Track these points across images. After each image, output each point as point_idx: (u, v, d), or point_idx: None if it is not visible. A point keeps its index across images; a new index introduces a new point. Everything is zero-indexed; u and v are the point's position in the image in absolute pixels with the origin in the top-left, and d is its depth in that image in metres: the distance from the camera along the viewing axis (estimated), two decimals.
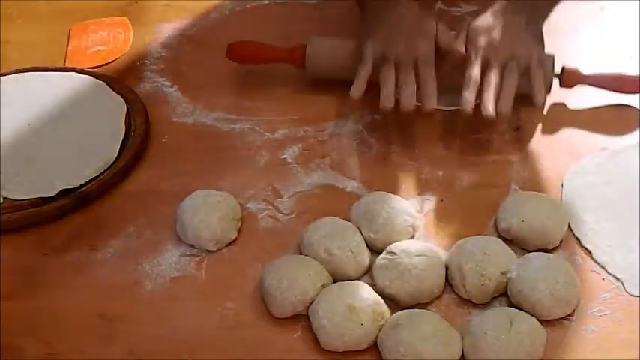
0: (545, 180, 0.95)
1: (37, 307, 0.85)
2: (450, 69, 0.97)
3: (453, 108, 0.98)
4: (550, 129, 1.01)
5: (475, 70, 0.93)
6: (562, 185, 0.94)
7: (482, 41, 0.94)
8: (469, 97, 0.92)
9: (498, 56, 0.93)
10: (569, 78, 1.02)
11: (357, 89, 0.96)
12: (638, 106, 1.02)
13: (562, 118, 1.03)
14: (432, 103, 0.94)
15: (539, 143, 0.99)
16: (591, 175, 0.95)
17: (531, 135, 1.00)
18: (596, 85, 1.03)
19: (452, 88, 0.95)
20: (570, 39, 1.11)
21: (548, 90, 1.00)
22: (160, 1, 1.23)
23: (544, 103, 0.96)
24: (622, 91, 1.02)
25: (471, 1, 1.18)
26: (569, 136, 1.00)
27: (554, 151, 0.98)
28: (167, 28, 1.18)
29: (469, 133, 1.01)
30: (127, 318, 0.84)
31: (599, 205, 0.91)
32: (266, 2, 1.22)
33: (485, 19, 0.96)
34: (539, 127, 1.02)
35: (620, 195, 0.92)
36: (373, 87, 0.96)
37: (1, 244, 0.91)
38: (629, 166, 0.95)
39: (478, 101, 0.93)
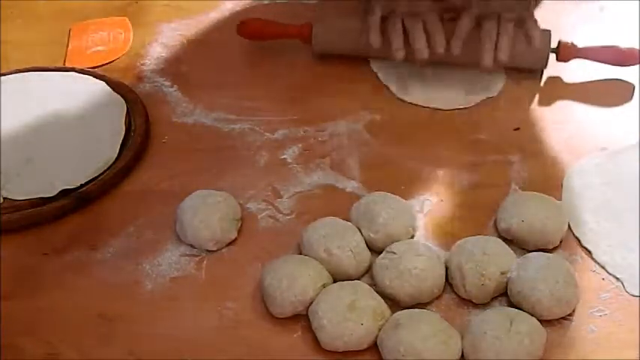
0: (545, 180, 0.95)
1: (37, 307, 0.85)
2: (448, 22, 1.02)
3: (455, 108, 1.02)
4: (550, 129, 1.01)
5: (466, 21, 1.00)
6: (562, 185, 0.94)
7: None
8: (457, 43, 1.00)
9: (495, 6, 1.00)
10: (566, 52, 1.05)
11: (374, 37, 1.01)
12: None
13: (562, 118, 1.03)
14: (441, 48, 1.00)
15: (539, 143, 1.00)
16: (591, 175, 0.95)
17: (531, 135, 1.00)
18: (593, 59, 1.04)
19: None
20: (570, 39, 1.10)
21: (545, 64, 1.05)
22: (160, 1, 1.23)
23: (539, 44, 1.01)
24: (619, 64, 1.04)
25: None
26: (569, 136, 1.00)
27: (554, 151, 0.98)
28: (167, 28, 1.18)
29: (469, 133, 1.01)
30: (127, 318, 0.84)
31: (599, 205, 0.91)
32: (266, 2, 1.22)
33: None
34: (539, 127, 1.02)
35: (620, 195, 0.92)
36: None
37: (1, 244, 0.91)
38: (629, 166, 0.95)
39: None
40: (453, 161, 0.98)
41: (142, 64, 1.13)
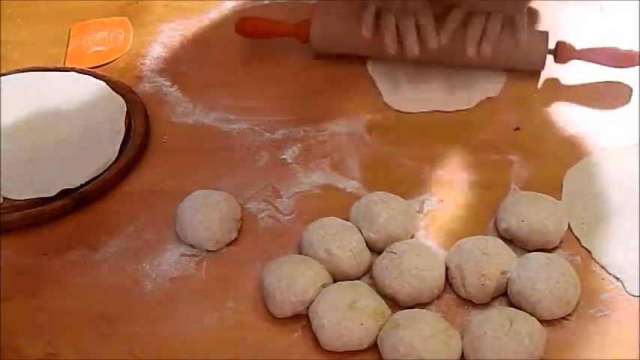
0: (545, 180, 0.95)
1: (37, 307, 0.85)
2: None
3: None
4: (550, 129, 1.01)
5: (457, 15, 1.02)
6: (562, 185, 0.94)
7: None
8: (444, 35, 1.01)
9: (486, 5, 1.01)
10: (563, 53, 1.04)
11: (367, 29, 1.02)
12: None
13: (561, 118, 1.03)
14: (434, 42, 1.00)
15: (539, 143, 0.99)
16: (591, 175, 0.95)
17: (531, 135, 1.00)
18: (591, 60, 1.04)
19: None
20: (570, 39, 1.10)
21: (542, 65, 1.04)
22: (160, 1, 1.23)
23: (525, 42, 1.01)
24: (618, 66, 1.04)
25: None
26: (569, 136, 1.00)
27: (554, 151, 0.98)
28: (167, 28, 1.18)
29: (469, 133, 1.01)
30: (127, 318, 0.84)
31: (599, 205, 0.91)
32: (266, 2, 1.22)
33: None
34: (539, 127, 1.02)
35: (620, 195, 0.92)
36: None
37: (1, 244, 0.91)
38: (629, 166, 0.95)
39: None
40: (453, 161, 0.98)
41: (142, 64, 1.13)
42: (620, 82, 1.06)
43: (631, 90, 1.04)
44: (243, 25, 1.10)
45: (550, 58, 1.05)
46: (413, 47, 1.00)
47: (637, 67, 1.04)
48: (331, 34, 1.08)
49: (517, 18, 1.02)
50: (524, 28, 1.01)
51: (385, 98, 1.05)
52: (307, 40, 1.08)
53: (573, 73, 1.07)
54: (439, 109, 1.04)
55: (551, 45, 1.05)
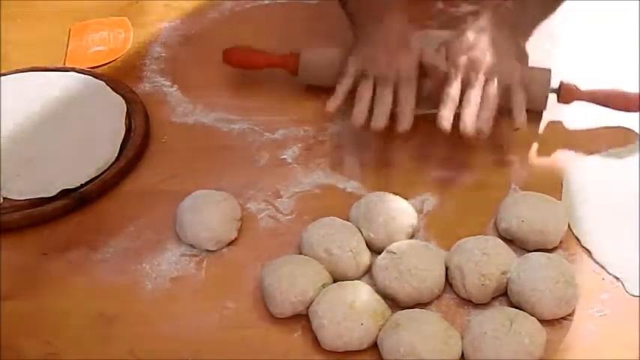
0: (545, 180, 0.95)
1: (37, 307, 0.85)
2: (433, 87, 0.95)
3: (430, 112, 0.94)
4: (550, 129, 1.01)
5: (454, 88, 0.91)
6: (562, 185, 0.94)
7: (463, 60, 0.92)
8: (446, 114, 0.90)
9: (479, 75, 0.91)
10: (567, 94, 1.00)
11: (334, 103, 0.95)
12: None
13: (562, 118, 1.03)
14: (406, 124, 0.92)
15: (539, 143, 0.99)
16: (591, 175, 0.95)
17: (531, 135, 1.00)
18: (594, 102, 1.00)
19: (435, 104, 0.93)
20: (569, 42, 1.11)
21: (544, 105, 1.00)
22: (160, 1, 1.23)
23: (525, 123, 0.93)
24: (621, 109, 0.99)
25: (471, 1, 1.18)
26: (570, 136, 1.00)
27: (554, 151, 0.98)
28: (167, 28, 1.18)
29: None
30: (127, 318, 0.84)
31: (599, 205, 0.91)
32: (266, 2, 1.22)
33: (467, 37, 0.94)
34: (539, 127, 1.01)
35: (620, 195, 0.92)
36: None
37: (1, 244, 0.91)
38: (629, 166, 0.95)
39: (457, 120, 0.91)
40: (453, 161, 0.98)
41: (142, 64, 1.13)
42: (619, 82, 1.06)
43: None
44: (229, 54, 1.07)
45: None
46: (378, 121, 0.92)
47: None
48: (319, 68, 1.04)
49: (514, 91, 0.92)
50: (523, 107, 0.92)
51: None
52: (296, 73, 1.05)
53: (573, 71, 1.08)
54: (418, 112, 1.03)
55: (555, 83, 1.00)
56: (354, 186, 0.95)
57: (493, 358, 0.76)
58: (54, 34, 1.18)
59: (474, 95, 0.90)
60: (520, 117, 0.92)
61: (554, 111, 1.04)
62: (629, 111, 0.99)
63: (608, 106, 1.00)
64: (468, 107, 0.90)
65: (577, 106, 1.04)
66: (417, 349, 0.75)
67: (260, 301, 0.84)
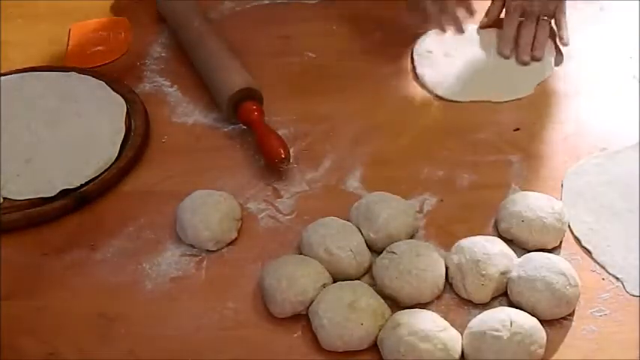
0: (545, 180, 0.95)
1: (37, 307, 0.85)
2: None
3: None
4: (550, 129, 1.01)
5: (513, 25, 1.11)
6: (562, 185, 0.94)
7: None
8: (505, 51, 1.10)
9: (533, 9, 1.10)
10: None
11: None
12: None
13: (561, 118, 1.03)
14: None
15: (539, 143, 1.00)
16: (591, 175, 0.95)
17: (531, 135, 1.00)
18: None
19: None
20: (570, 39, 1.11)
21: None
22: None
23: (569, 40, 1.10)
24: None
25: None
26: (569, 136, 1.00)
27: (554, 151, 0.98)
28: (167, 28, 1.18)
29: (469, 133, 1.01)
30: (127, 318, 0.84)
31: (599, 205, 0.91)
32: (266, 2, 1.22)
33: None
34: (539, 127, 1.02)
35: (620, 195, 0.92)
36: None
37: (1, 244, 0.91)
38: (629, 166, 0.95)
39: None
40: (453, 161, 0.98)
41: (142, 64, 1.13)
42: (620, 81, 1.06)
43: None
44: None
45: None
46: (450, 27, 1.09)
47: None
48: None
49: (559, 18, 1.10)
50: (567, 27, 1.10)
51: (434, 88, 1.07)
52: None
53: (573, 71, 1.08)
54: (494, 100, 1.05)
55: None
56: (354, 186, 0.95)
57: (493, 358, 0.76)
58: (54, 34, 1.17)
59: (530, 29, 1.10)
60: (566, 35, 1.10)
61: (554, 110, 1.04)
62: None
63: None
64: (524, 41, 1.09)
65: (577, 105, 1.04)
66: (417, 349, 0.75)
67: (260, 301, 0.84)
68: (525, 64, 1.08)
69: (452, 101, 1.05)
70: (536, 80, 1.07)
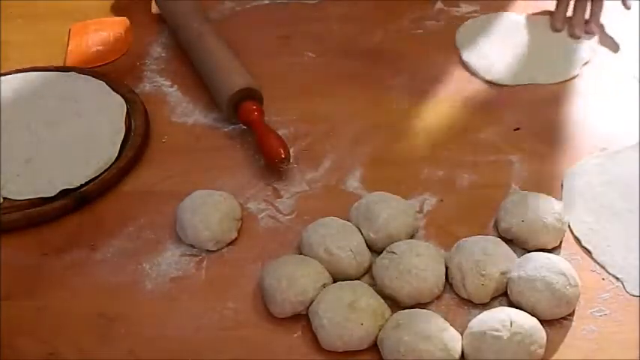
0: (545, 180, 0.95)
1: (37, 307, 0.85)
2: None
3: None
4: (550, 129, 1.01)
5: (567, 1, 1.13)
6: (562, 185, 0.94)
7: None
8: (558, 24, 1.13)
9: None
10: None
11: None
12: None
13: (562, 118, 1.03)
14: None
15: (539, 143, 0.99)
16: (591, 175, 0.95)
17: (531, 135, 1.00)
18: None
19: None
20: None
21: None
22: None
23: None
24: None
25: (471, 1, 1.18)
26: (569, 136, 1.00)
27: (554, 151, 0.98)
28: (167, 28, 1.18)
29: (469, 133, 1.01)
30: (127, 318, 0.84)
31: (599, 205, 0.91)
32: (266, 2, 1.22)
33: None
34: (539, 127, 1.02)
35: (620, 195, 0.92)
36: None
37: (1, 244, 0.91)
38: (629, 166, 0.95)
39: None
40: (453, 161, 0.98)
41: (142, 64, 1.13)
42: (620, 81, 1.06)
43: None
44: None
45: None
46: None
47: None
48: None
49: None
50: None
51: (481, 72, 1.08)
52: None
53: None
54: (542, 82, 1.07)
55: None
56: (354, 186, 0.95)
57: (493, 358, 0.76)
58: (54, 34, 1.17)
59: (583, 3, 1.12)
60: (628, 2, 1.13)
61: (554, 110, 1.04)
62: None
63: None
64: (580, 14, 1.12)
65: (577, 105, 1.04)
66: (417, 349, 0.75)
67: (260, 301, 0.84)
68: (577, 38, 1.10)
69: (501, 85, 1.07)
70: (580, 62, 1.09)
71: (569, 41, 1.12)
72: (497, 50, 1.11)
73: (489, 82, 1.07)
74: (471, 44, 1.12)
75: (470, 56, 1.10)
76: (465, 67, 1.10)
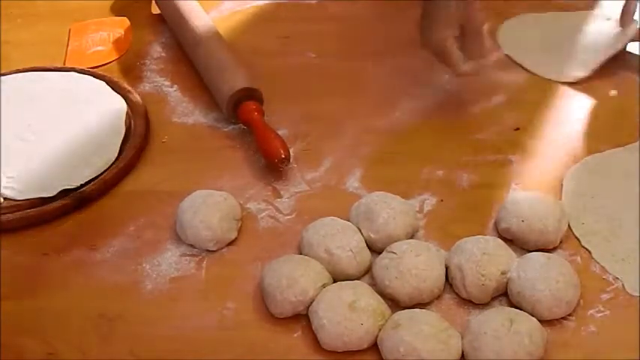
0: (545, 180, 0.95)
1: (37, 307, 0.85)
2: None
3: None
4: (550, 129, 1.01)
5: None
6: (562, 185, 0.94)
7: None
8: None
9: None
10: None
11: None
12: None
13: (562, 118, 1.03)
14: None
15: (539, 143, 1.00)
16: (591, 175, 0.95)
17: (531, 135, 1.00)
18: None
19: None
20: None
21: None
22: None
23: None
24: None
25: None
26: (569, 136, 1.00)
27: (554, 151, 0.98)
28: (167, 28, 1.18)
29: (469, 133, 1.01)
30: (127, 318, 0.84)
31: (599, 205, 0.91)
32: (266, 2, 1.22)
33: None
34: (539, 127, 1.02)
35: (620, 195, 0.92)
36: None
37: (1, 244, 0.91)
38: (629, 166, 0.95)
39: None
40: (453, 161, 0.98)
41: (142, 64, 1.13)
42: (620, 79, 1.06)
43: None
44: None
45: None
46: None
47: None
48: None
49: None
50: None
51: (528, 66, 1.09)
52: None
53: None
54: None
55: None
56: (354, 186, 0.95)
57: (493, 358, 0.76)
58: (54, 34, 1.18)
59: None
60: None
61: (554, 109, 1.04)
62: None
63: None
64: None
65: (577, 105, 1.04)
66: (417, 349, 0.75)
67: (260, 301, 0.84)
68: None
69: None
70: (590, 66, 1.08)
71: (586, 43, 1.12)
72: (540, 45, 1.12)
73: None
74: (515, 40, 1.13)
75: (512, 51, 1.11)
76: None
